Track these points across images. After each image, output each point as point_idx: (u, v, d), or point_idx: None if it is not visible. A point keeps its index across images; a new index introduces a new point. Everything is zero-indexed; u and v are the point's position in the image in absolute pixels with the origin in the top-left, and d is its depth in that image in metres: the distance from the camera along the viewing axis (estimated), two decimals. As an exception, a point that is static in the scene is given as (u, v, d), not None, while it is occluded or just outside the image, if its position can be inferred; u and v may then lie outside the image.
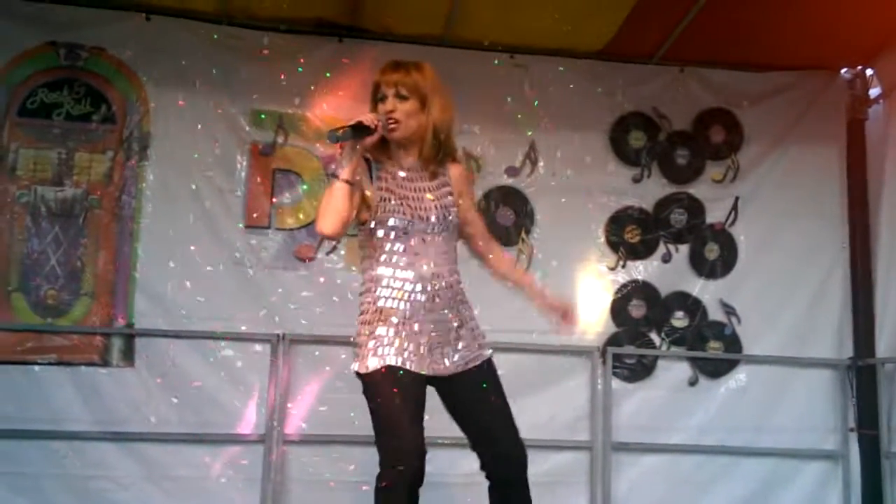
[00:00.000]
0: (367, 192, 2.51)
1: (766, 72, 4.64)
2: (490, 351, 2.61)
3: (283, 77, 4.32)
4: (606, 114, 4.60)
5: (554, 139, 4.54)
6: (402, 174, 2.57)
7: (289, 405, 4.14)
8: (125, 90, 4.27)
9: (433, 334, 2.49)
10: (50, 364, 4.06)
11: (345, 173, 2.40)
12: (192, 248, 4.19)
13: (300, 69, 4.34)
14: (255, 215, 4.29)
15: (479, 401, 2.52)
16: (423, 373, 2.45)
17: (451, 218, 2.57)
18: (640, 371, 4.48)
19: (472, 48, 4.44)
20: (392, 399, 2.38)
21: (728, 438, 4.42)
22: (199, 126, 4.26)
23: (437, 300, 2.50)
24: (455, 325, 2.54)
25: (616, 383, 4.42)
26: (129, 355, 4.13)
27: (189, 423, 4.08)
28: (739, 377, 4.52)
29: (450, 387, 2.52)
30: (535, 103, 4.49)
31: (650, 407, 4.43)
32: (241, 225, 4.27)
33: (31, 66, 4.21)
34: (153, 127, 4.26)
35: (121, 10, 4.23)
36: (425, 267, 2.50)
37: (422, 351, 2.47)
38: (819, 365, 4.57)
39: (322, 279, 4.27)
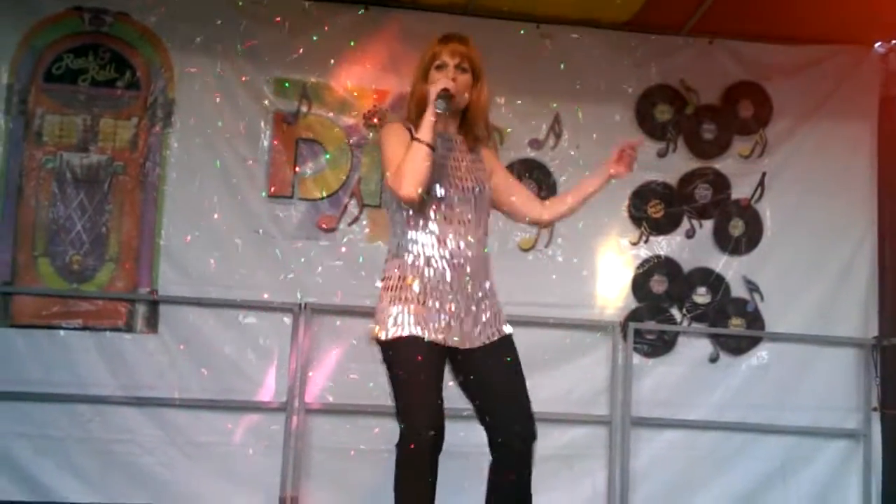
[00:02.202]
0: None
1: (798, 45, 4.54)
2: (510, 328, 2.60)
3: (307, 45, 4.28)
4: (633, 86, 4.53)
5: (578, 111, 4.48)
6: (442, 144, 2.57)
7: (310, 374, 4.17)
8: (149, 56, 4.27)
9: (456, 306, 2.48)
10: (75, 329, 4.11)
11: (429, 137, 2.41)
12: (216, 216, 4.20)
13: (324, 38, 4.30)
14: (278, 185, 4.29)
15: (495, 375, 2.51)
16: (443, 343, 2.45)
17: (484, 191, 2.59)
18: (660, 347, 4.45)
19: (497, 17, 4.38)
20: (411, 367, 2.39)
21: (749, 416, 4.40)
22: (223, 94, 4.25)
23: (463, 272, 2.50)
24: (479, 297, 2.53)
25: (636, 359, 4.40)
26: (152, 322, 4.18)
27: (211, 390, 4.12)
28: (761, 354, 4.48)
29: (467, 359, 2.52)
30: (561, 75, 4.43)
31: (670, 382, 4.41)
32: (264, 194, 4.27)
33: (56, 32, 4.21)
34: (177, 94, 4.25)
35: (146, -25, 4.22)
36: (454, 237, 2.50)
37: (443, 322, 2.47)
38: (843, 343, 4.52)
39: (344, 249, 4.28)
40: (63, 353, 4.07)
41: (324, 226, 4.30)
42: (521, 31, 4.43)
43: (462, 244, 2.50)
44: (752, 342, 4.49)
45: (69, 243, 4.17)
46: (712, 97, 4.59)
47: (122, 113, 4.25)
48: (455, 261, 2.49)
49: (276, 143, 4.30)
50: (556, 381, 4.26)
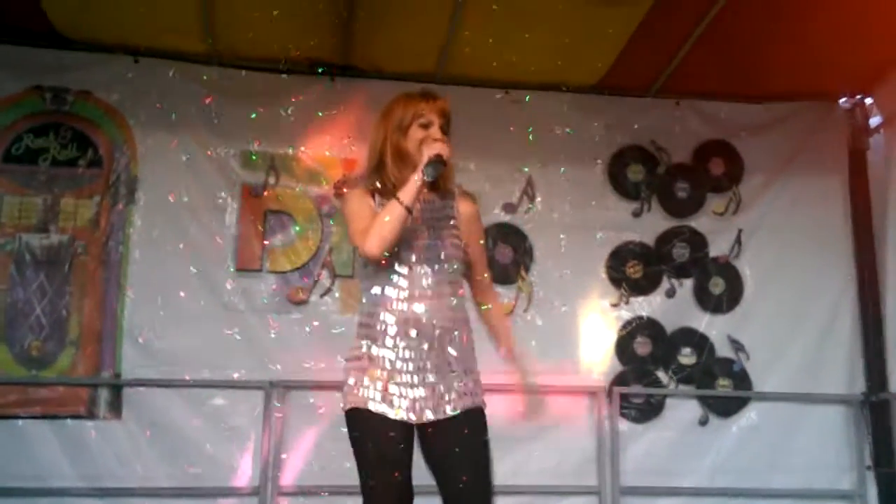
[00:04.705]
0: None
1: (764, 103, 4.59)
2: (481, 401, 2.42)
3: (274, 117, 4.22)
4: (604, 148, 4.54)
5: (551, 174, 4.46)
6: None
7: (283, 455, 3.97)
8: (112, 134, 4.20)
9: (420, 377, 2.35)
10: (34, 418, 3.91)
11: (410, 200, 2.30)
12: (182, 293, 4.06)
13: (291, 109, 4.25)
14: (246, 259, 4.18)
15: (455, 450, 2.35)
16: (406, 416, 2.32)
17: (449, 249, 2.44)
18: (648, 411, 4.34)
19: (466, 84, 4.38)
20: (373, 442, 2.28)
21: (741, 480, 4.27)
22: (188, 168, 4.18)
23: (434, 342, 2.37)
24: (446, 368, 2.38)
25: (624, 424, 4.29)
26: (116, 406, 4.00)
27: (180, 477, 3.93)
28: (751, 415, 4.38)
29: (431, 433, 2.36)
30: (531, 139, 4.39)
31: (660, 448, 4.29)
32: (232, 268, 4.16)
33: (16, 111, 4.14)
34: (140, 170, 4.18)
35: (108, 52, 4.17)
36: (423, 306, 2.37)
37: (407, 393, 2.34)
38: (832, 401, 4.43)
39: (316, 323, 4.14)
40: (21, 444, 3.86)
41: (295, 298, 4.17)
42: (492, 98, 4.42)
43: (427, 312, 2.36)
44: (741, 403, 4.40)
45: (28, 328, 4.01)
46: (683, 156, 4.60)
47: (83, 192, 4.15)
48: (419, 330, 2.35)
49: (243, 216, 4.21)
50: (544, 452, 4.14)
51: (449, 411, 2.36)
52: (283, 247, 4.23)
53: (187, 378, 3.98)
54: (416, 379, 2.34)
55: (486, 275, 2.62)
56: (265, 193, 4.24)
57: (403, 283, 2.38)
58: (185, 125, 4.18)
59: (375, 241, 2.30)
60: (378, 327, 2.37)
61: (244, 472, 3.97)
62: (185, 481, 3.91)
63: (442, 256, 2.43)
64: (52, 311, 4.03)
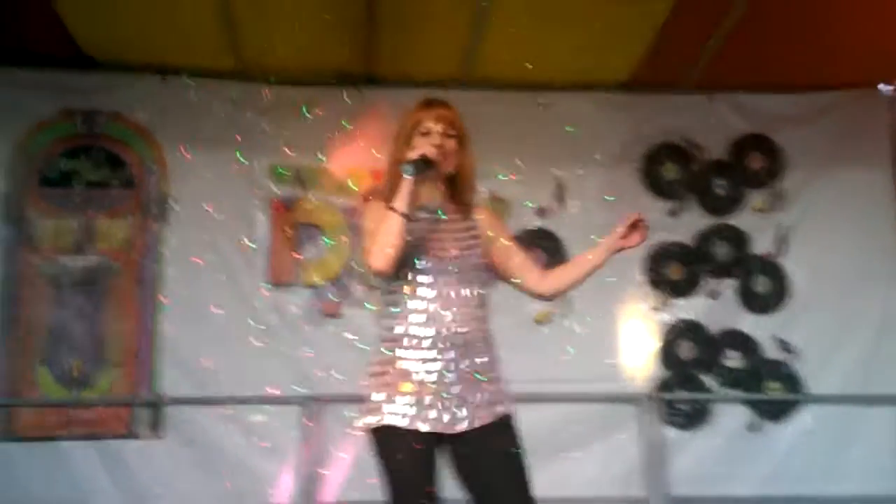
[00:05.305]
0: None
1: (802, 93, 4.44)
2: (511, 408, 2.35)
3: (301, 131, 4.20)
4: (636, 147, 4.43)
5: (583, 176, 4.36)
6: (423, 215, 2.42)
7: (322, 470, 3.93)
8: (143, 153, 4.24)
9: (443, 387, 2.29)
10: (76, 439, 3.95)
11: (404, 206, 2.26)
12: (217, 310, 4.04)
13: (318, 122, 4.22)
14: (279, 272, 4.17)
15: (487, 463, 2.29)
16: (431, 430, 2.26)
17: (473, 260, 2.40)
18: (694, 417, 4.23)
19: (493, 89, 4.32)
20: (396, 460, 2.22)
21: (795, 487, 4.10)
22: (218, 184, 4.17)
23: (456, 349, 2.31)
24: (471, 377, 2.32)
25: (670, 432, 4.18)
26: (156, 426, 4.03)
27: (221, 494, 3.90)
28: (804, 419, 4.23)
29: (460, 446, 2.30)
30: (561, 141, 4.32)
31: (708, 456, 4.16)
32: (265, 283, 4.15)
33: (49, 135, 4.20)
34: (172, 188, 4.21)
35: (136, 72, 4.21)
36: (445, 315, 2.31)
37: (435, 406, 2.27)
38: (889, 401, 4.23)
39: (351, 335, 4.08)
40: (64, 466, 3.90)
41: (328, 311, 4.14)
42: (519, 101, 4.35)
43: (450, 320, 2.31)
44: (793, 406, 4.26)
45: (68, 350, 4.05)
46: (720, 152, 4.47)
47: (117, 211, 4.19)
48: (443, 338, 2.29)
49: (274, 230, 4.20)
50: (587, 462, 4.06)
51: (479, 422, 2.29)
52: (315, 260, 4.21)
53: (224, 395, 3.97)
54: (444, 390, 2.28)
55: (528, 260, 2.53)
56: (294, 206, 4.22)
57: (429, 293, 2.33)
58: (213, 141, 4.18)
59: (379, 256, 2.26)
60: (404, 340, 2.31)
61: (284, 489, 3.94)
62: (226, 499, 3.89)
63: (466, 267, 2.38)
64: (91, 332, 4.08)
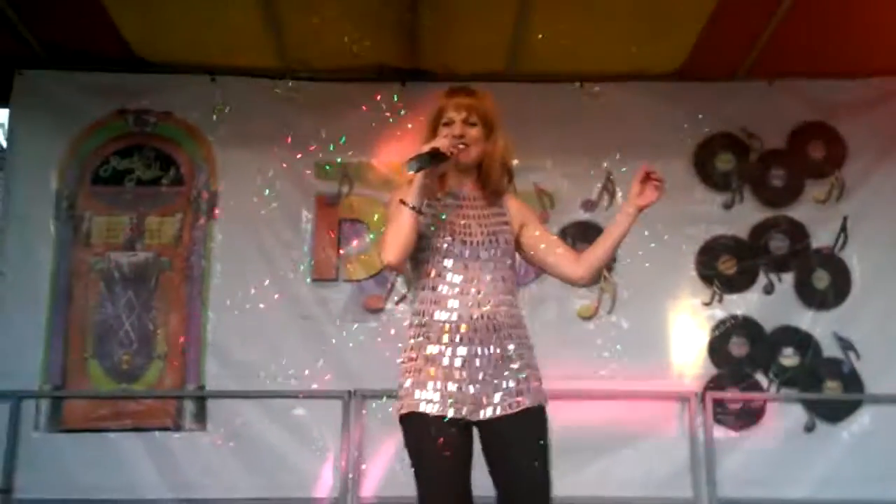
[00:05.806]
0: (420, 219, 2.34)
1: (864, 78, 4.23)
2: (542, 398, 2.31)
3: (346, 127, 4.21)
4: (689, 137, 4.29)
5: (633, 168, 4.19)
6: (451, 201, 2.40)
7: (363, 465, 3.93)
8: (192, 151, 4.31)
9: (470, 373, 2.26)
10: (125, 430, 4.04)
11: (415, 200, 2.26)
12: (262, 305, 4.09)
13: (363, 117, 4.22)
14: (322, 268, 4.19)
15: (510, 450, 2.25)
16: (461, 416, 2.23)
17: (499, 245, 2.38)
18: (746, 417, 4.07)
19: (538, 80, 4.25)
20: (427, 450, 2.19)
21: (853, 491, 3.91)
22: (265, 181, 4.21)
23: (485, 334, 2.28)
24: (503, 361, 2.28)
25: (719, 431, 4.03)
26: (201, 418, 4.08)
27: (263, 487, 3.96)
28: (863, 420, 4.03)
29: (485, 430, 2.27)
30: (610, 132, 4.21)
31: (760, 457, 4.00)
32: (308, 279, 4.17)
33: (102, 135, 4.31)
34: (220, 185, 4.27)
35: (186, 73, 4.29)
36: (473, 298, 2.30)
37: (464, 391, 2.25)
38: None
39: (393, 330, 4.08)
40: (113, 457, 3.98)
41: (371, 306, 4.14)
42: (565, 92, 4.28)
43: (478, 306, 2.29)
44: (852, 407, 4.06)
45: (118, 343, 4.14)
46: (777, 141, 4.30)
47: (167, 209, 4.27)
48: (470, 324, 2.28)
49: (318, 226, 4.22)
50: (633, 461, 3.95)
51: (507, 409, 2.26)
52: (359, 255, 4.21)
53: (267, 389, 4.01)
54: (473, 376, 2.26)
55: (562, 244, 2.51)
56: (339, 202, 4.24)
57: (458, 279, 2.31)
58: (260, 139, 4.24)
59: (390, 250, 2.28)
60: (433, 326, 2.30)
61: (325, 482, 3.95)
62: (268, 491, 3.94)
63: (495, 254, 2.36)
64: (140, 326, 4.16)
